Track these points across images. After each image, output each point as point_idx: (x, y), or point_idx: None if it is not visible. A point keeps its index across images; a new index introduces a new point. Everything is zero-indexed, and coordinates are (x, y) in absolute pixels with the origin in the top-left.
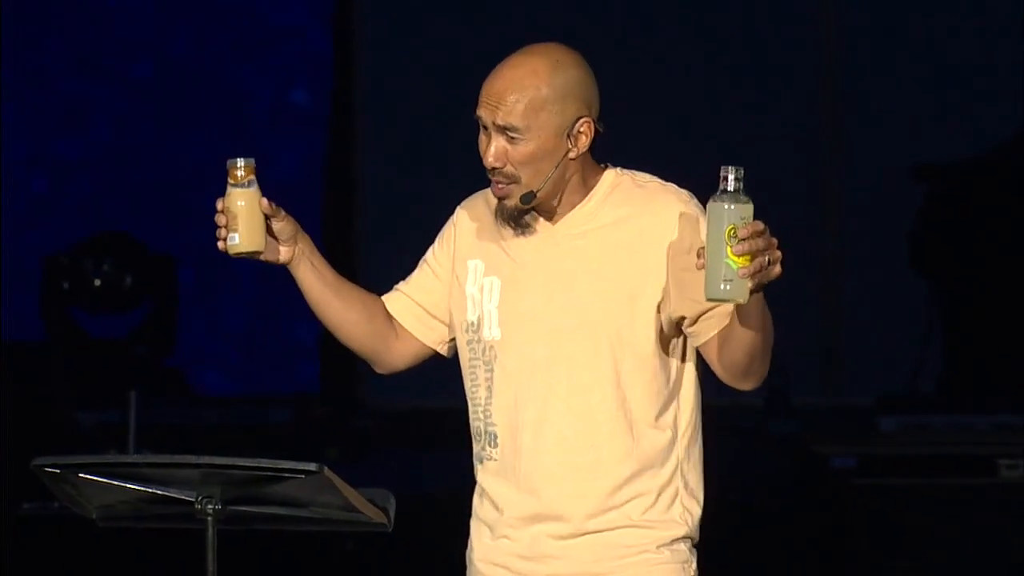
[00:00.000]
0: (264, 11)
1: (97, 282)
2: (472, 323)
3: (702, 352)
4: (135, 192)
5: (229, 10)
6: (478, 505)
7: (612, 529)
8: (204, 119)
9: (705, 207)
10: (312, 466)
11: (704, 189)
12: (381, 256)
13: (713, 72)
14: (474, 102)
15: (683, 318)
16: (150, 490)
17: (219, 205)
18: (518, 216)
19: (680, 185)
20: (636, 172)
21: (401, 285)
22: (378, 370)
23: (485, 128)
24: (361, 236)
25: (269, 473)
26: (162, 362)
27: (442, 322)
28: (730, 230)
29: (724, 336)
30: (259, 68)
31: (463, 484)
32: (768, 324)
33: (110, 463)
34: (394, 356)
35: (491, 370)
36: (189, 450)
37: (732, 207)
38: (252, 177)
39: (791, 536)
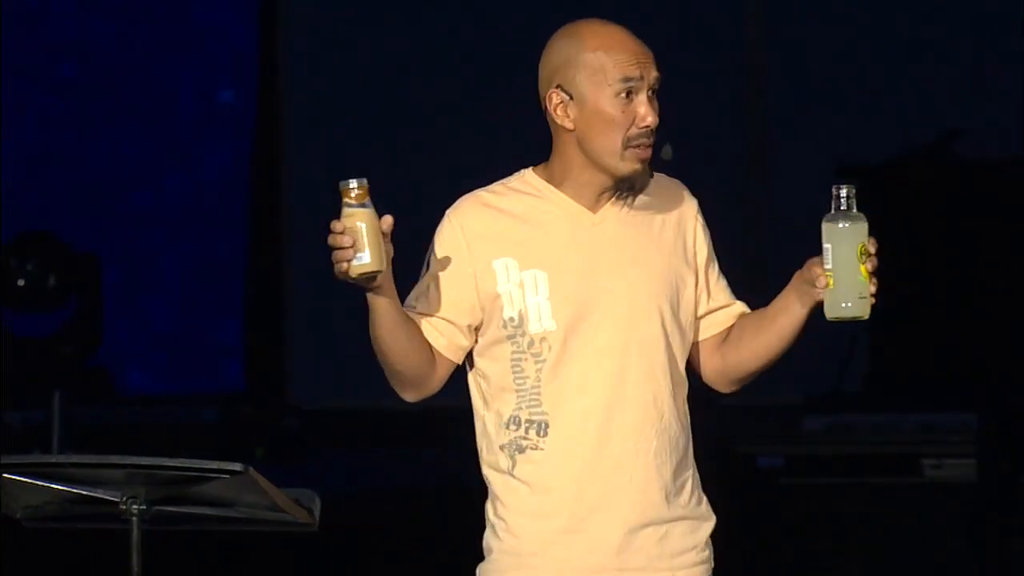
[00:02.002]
0: (190, 11)
1: (21, 282)
2: (512, 319)
3: (699, 347)
4: (60, 191)
5: (155, 10)
6: (510, 496)
7: (673, 520)
8: (130, 119)
9: (821, 227)
10: (237, 466)
11: None
12: (307, 255)
13: None
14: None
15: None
16: (75, 490)
17: (338, 227)
18: (641, 187)
19: None
20: None
21: (420, 307)
22: (413, 398)
23: (630, 93)
24: (287, 235)
25: (194, 473)
26: (87, 362)
27: (465, 334)
28: (861, 247)
29: (743, 339)
30: (185, 68)
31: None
32: (796, 337)
33: (34, 463)
34: (434, 380)
35: (542, 360)
36: (114, 450)
37: (859, 226)
38: (368, 196)
39: (717, 536)
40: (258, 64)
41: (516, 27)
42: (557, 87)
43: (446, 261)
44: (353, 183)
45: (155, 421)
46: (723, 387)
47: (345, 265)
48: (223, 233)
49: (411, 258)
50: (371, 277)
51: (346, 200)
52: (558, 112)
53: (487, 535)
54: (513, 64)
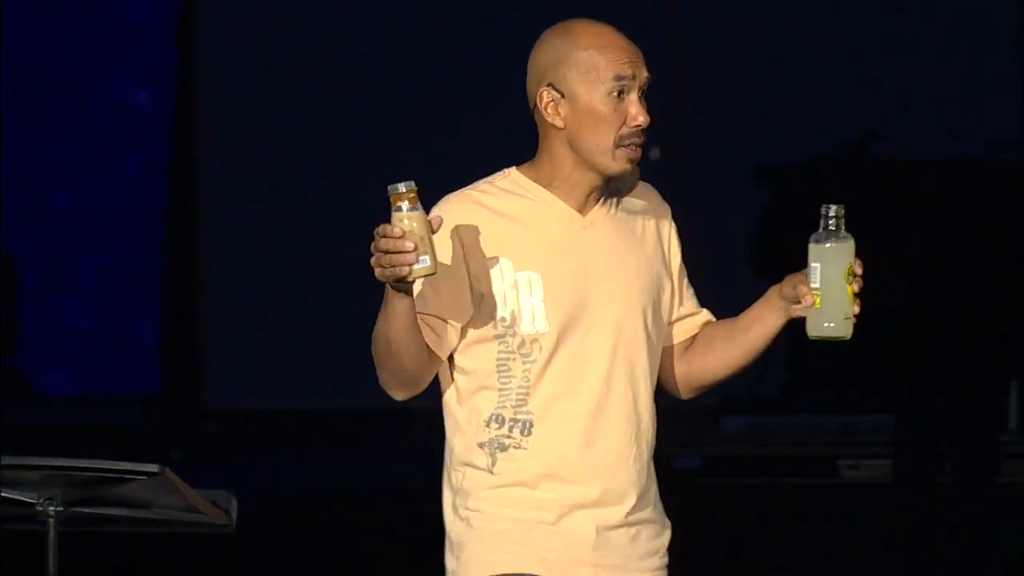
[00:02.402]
0: (109, 13)
1: None
2: (504, 319)
3: (664, 353)
4: None
5: (75, 11)
6: (488, 492)
7: (642, 523)
8: (49, 119)
9: (808, 246)
10: (154, 467)
11: None
12: (223, 254)
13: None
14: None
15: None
16: None
17: (396, 231)
18: (630, 187)
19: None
20: None
21: (417, 306)
22: (405, 396)
23: (622, 92)
24: (204, 237)
25: (111, 474)
26: (4, 363)
27: (456, 333)
28: (849, 268)
29: (711, 348)
30: (104, 69)
31: (305, 483)
32: (767, 349)
33: None
34: (427, 380)
35: (532, 361)
36: (31, 451)
37: (847, 246)
38: (418, 197)
39: None
40: (175, 66)
41: (432, 25)
42: (548, 85)
43: (441, 260)
44: (403, 187)
45: (72, 422)
46: (683, 393)
47: (407, 269)
48: (140, 235)
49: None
50: (412, 280)
51: (401, 204)
52: (548, 110)
53: (453, 530)
54: (431, 62)
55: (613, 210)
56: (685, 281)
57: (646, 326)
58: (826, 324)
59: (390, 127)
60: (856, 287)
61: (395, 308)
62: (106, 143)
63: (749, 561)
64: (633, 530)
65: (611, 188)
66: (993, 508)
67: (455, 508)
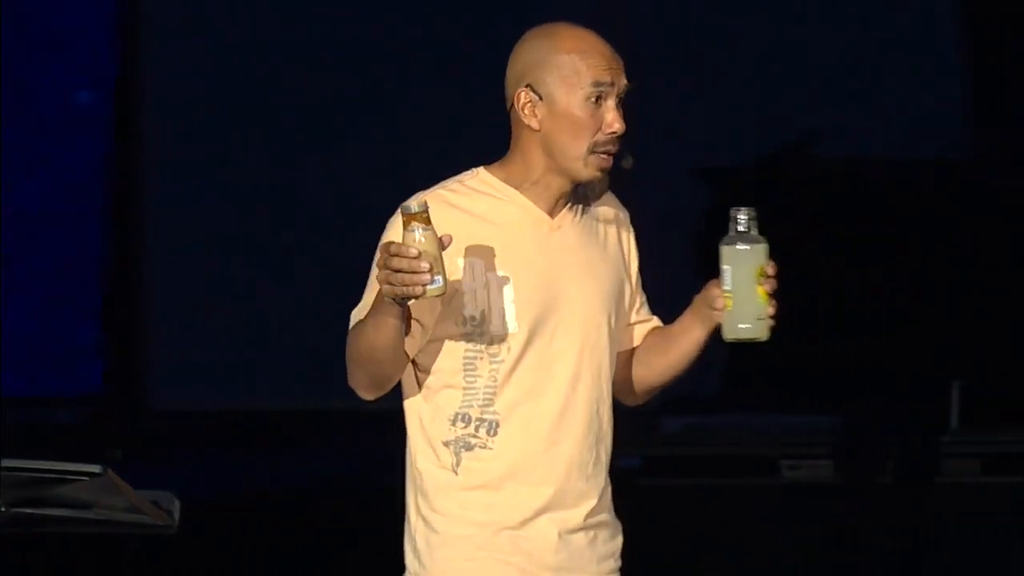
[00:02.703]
0: (48, 11)
1: None
2: (473, 318)
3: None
4: None
5: (13, 10)
6: (452, 493)
7: (599, 526)
8: None
9: (719, 249)
10: (95, 468)
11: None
12: (165, 256)
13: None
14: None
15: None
16: None
17: (412, 251)
18: (599, 194)
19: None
20: None
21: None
22: (374, 396)
23: (597, 100)
24: (145, 237)
25: (52, 475)
26: None
27: (426, 332)
28: (759, 270)
29: (648, 356)
30: (43, 68)
31: (247, 484)
32: (697, 357)
33: None
34: (399, 378)
35: (499, 361)
36: None
37: (757, 247)
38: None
39: None
40: (117, 64)
41: (379, 25)
42: (527, 86)
43: None
44: (415, 206)
45: (12, 423)
46: (626, 399)
47: (420, 289)
48: (81, 235)
49: (280, 255)
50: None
51: (416, 223)
52: (525, 111)
53: (418, 531)
54: (380, 62)
55: (579, 215)
56: (640, 288)
57: (610, 330)
58: (740, 326)
59: (337, 125)
60: (768, 288)
61: (388, 320)
62: (46, 143)
63: (689, 561)
64: (592, 533)
65: (580, 194)
66: (933, 508)
67: (418, 509)
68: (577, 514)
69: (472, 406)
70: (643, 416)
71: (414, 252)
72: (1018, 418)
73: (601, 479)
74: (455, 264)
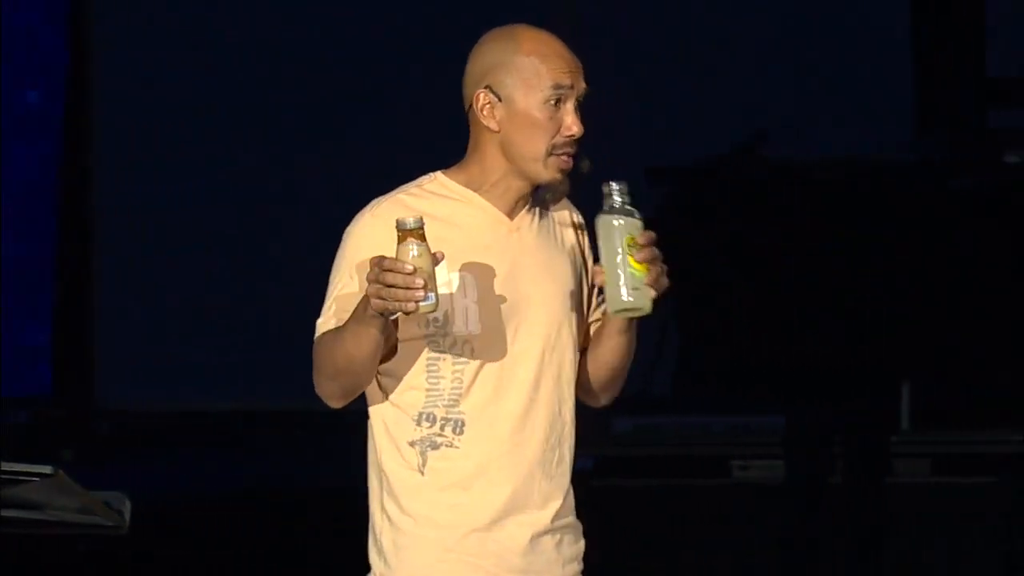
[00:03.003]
0: None
1: None
2: (436, 319)
3: None
4: None
5: None
6: (420, 493)
7: (564, 528)
8: None
9: (594, 223)
10: (47, 468)
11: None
12: (117, 257)
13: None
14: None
15: None
16: None
17: (407, 267)
18: (560, 196)
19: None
20: None
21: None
22: (341, 404)
23: (557, 102)
24: (96, 237)
25: (3, 476)
26: None
27: (393, 336)
28: (628, 240)
29: (590, 351)
30: None
31: (198, 485)
32: (634, 342)
33: None
34: (367, 386)
35: (463, 362)
36: None
37: (626, 220)
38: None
39: None
40: (67, 64)
41: (328, 25)
42: (486, 87)
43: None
44: (412, 222)
45: None
46: (587, 399)
47: (413, 305)
48: (31, 235)
49: (231, 256)
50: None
51: (413, 240)
52: (484, 112)
53: (384, 533)
54: (326, 63)
55: (537, 216)
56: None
57: (571, 331)
58: (621, 298)
59: (286, 124)
60: (641, 258)
61: (371, 332)
62: None
63: (641, 561)
64: (559, 535)
65: (541, 197)
66: (884, 509)
67: (384, 510)
68: (544, 516)
69: (437, 406)
70: (594, 417)
71: (410, 268)
72: (968, 418)
73: (565, 480)
74: None
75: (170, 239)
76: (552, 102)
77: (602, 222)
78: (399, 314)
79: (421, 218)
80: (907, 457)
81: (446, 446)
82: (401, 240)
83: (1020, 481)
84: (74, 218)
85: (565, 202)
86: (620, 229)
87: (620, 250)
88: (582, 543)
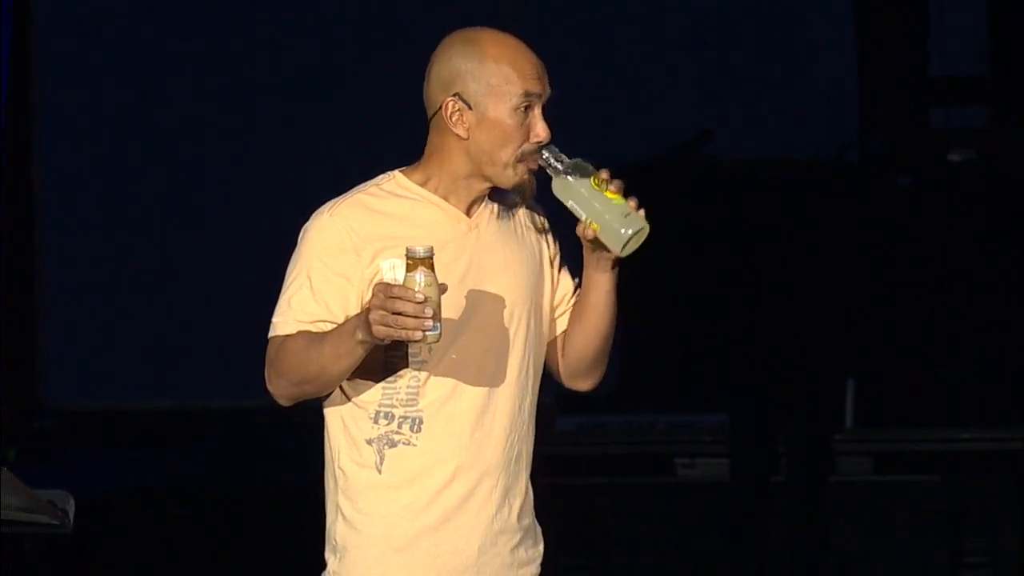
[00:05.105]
0: None
1: None
2: None
3: (549, 351)
4: None
5: None
6: (376, 491)
7: (523, 530)
8: None
9: (552, 190)
10: None
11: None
12: (61, 251)
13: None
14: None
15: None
16: None
17: (419, 296)
18: (527, 197)
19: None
20: None
21: (322, 314)
22: (291, 404)
23: (528, 107)
24: (40, 235)
25: None
26: None
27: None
28: (594, 182)
29: (571, 331)
30: None
31: (143, 483)
32: (616, 302)
33: None
34: (335, 385)
35: (419, 361)
36: None
37: (581, 167)
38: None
39: None
40: (7, 65)
41: (272, 25)
42: (455, 96)
43: (335, 266)
44: (422, 251)
45: None
46: (579, 384)
47: (420, 334)
48: None
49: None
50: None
51: (423, 269)
52: (453, 119)
53: (340, 532)
54: (274, 61)
55: (496, 214)
56: (567, 275)
57: (532, 328)
58: (622, 231)
59: (241, 124)
60: (615, 188)
61: (356, 354)
62: None
63: (585, 560)
64: (516, 537)
65: (510, 199)
66: (828, 507)
67: (339, 508)
68: (500, 516)
69: (394, 404)
70: (538, 415)
71: (420, 297)
72: (912, 416)
73: (523, 480)
74: (375, 267)
75: (116, 235)
76: (522, 109)
77: (559, 186)
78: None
79: (431, 248)
80: (850, 455)
81: (404, 444)
82: (411, 268)
83: (963, 479)
84: (16, 216)
85: (531, 202)
86: (576, 180)
87: (591, 194)
88: (541, 547)
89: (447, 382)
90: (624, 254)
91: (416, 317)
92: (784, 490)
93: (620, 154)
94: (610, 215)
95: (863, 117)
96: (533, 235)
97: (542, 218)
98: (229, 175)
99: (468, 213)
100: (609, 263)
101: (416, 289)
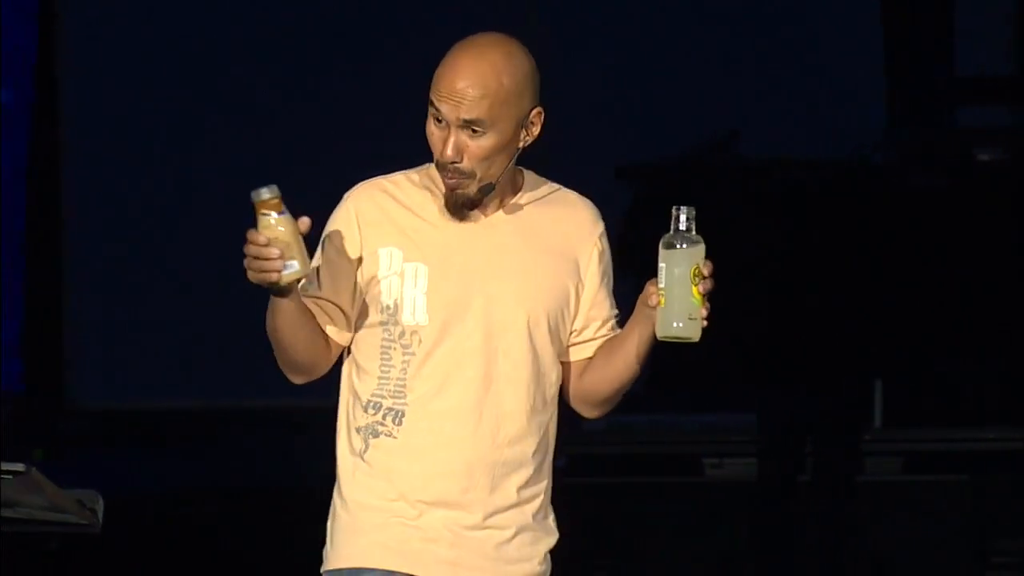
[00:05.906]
0: None
1: None
2: (388, 307)
3: (568, 369)
4: None
5: None
6: (357, 478)
7: (516, 528)
8: None
9: (659, 246)
10: (19, 466)
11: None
12: (88, 254)
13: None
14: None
15: (572, 332)
16: None
17: (261, 239)
18: (470, 207)
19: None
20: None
21: (312, 291)
22: (302, 381)
23: (440, 121)
24: (67, 235)
25: None
26: None
27: (350, 317)
28: (695, 269)
29: (596, 364)
30: None
31: (170, 483)
32: (644, 362)
33: None
34: (325, 365)
35: (411, 353)
36: None
37: (694, 248)
38: (282, 201)
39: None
40: (35, 63)
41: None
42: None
43: (339, 246)
44: (267, 193)
45: None
46: (583, 411)
47: (275, 275)
48: (3, 233)
49: (203, 255)
50: (301, 280)
51: (265, 211)
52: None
53: (331, 517)
54: (281, 60)
55: (522, 215)
56: (605, 301)
57: (535, 334)
58: (674, 324)
59: (261, 127)
60: (703, 288)
61: (278, 305)
62: None
63: (615, 560)
64: (504, 534)
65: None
66: (856, 507)
67: (334, 493)
68: (481, 514)
69: (384, 395)
70: (565, 415)
71: (262, 239)
72: (939, 417)
73: (514, 481)
74: (375, 253)
75: (143, 237)
76: (436, 119)
77: (668, 246)
78: (359, 300)
79: (274, 187)
80: (878, 456)
81: (385, 435)
82: (256, 211)
83: (991, 479)
84: (44, 216)
85: (584, 208)
86: (686, 256)
87: (684, 278)
88: (544, 544)
89: (435, 379)
90: (660, 339)
91: (265, 259)
92: (812, 490)
93: (645, 154)
94: (679, 305)
95: (890, 117)
96: (570, 250)
97: (596, 237)
98: (258, 178)
99: (485, 212)
100: (651, 323)
101: (263, 231)
